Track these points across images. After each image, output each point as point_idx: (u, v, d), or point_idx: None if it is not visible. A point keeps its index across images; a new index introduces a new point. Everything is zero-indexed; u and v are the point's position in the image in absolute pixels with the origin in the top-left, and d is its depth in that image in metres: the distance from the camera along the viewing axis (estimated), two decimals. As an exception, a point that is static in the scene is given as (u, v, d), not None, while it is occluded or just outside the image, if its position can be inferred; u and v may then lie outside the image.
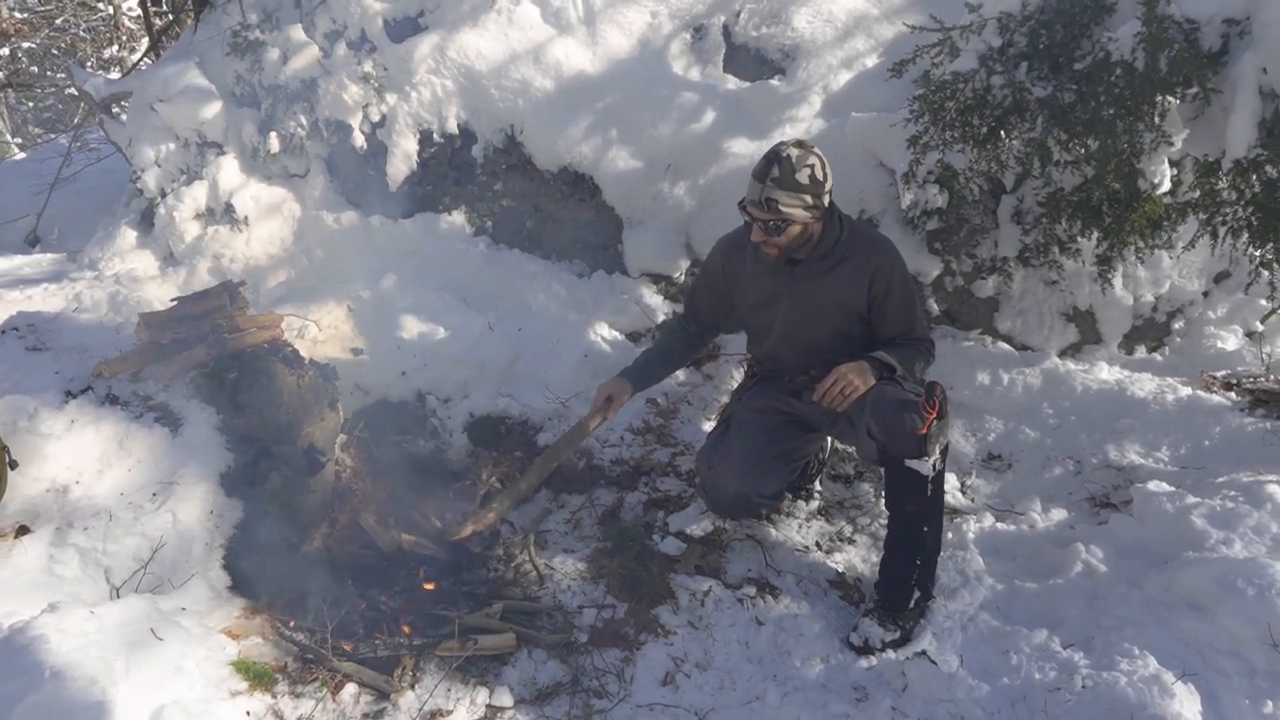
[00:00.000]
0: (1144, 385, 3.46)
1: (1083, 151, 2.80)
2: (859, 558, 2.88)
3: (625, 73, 4.14)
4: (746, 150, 3.86)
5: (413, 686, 2.25)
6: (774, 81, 4.04)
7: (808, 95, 3.93)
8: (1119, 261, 3.14)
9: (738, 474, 2.69)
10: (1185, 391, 3.39)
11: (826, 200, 2.46)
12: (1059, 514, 2.98)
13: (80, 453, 2.54)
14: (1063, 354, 3.74)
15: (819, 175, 2.40)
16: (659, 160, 3.97)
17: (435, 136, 4.28)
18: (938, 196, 3.56)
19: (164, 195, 4.44)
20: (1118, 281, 3.63)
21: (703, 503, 2.97)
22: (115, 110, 4.93)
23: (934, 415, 2.35)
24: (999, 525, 2.94)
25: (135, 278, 4.23)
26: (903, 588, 2.48)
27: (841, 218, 2.56)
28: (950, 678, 2.31)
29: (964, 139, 3.09)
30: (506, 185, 4.24)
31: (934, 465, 2.39)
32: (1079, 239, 3.38)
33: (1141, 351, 3.83)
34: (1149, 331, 3.83)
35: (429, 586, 2.59)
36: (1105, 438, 3.28)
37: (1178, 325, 3.84)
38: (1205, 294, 3.83)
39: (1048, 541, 2.85)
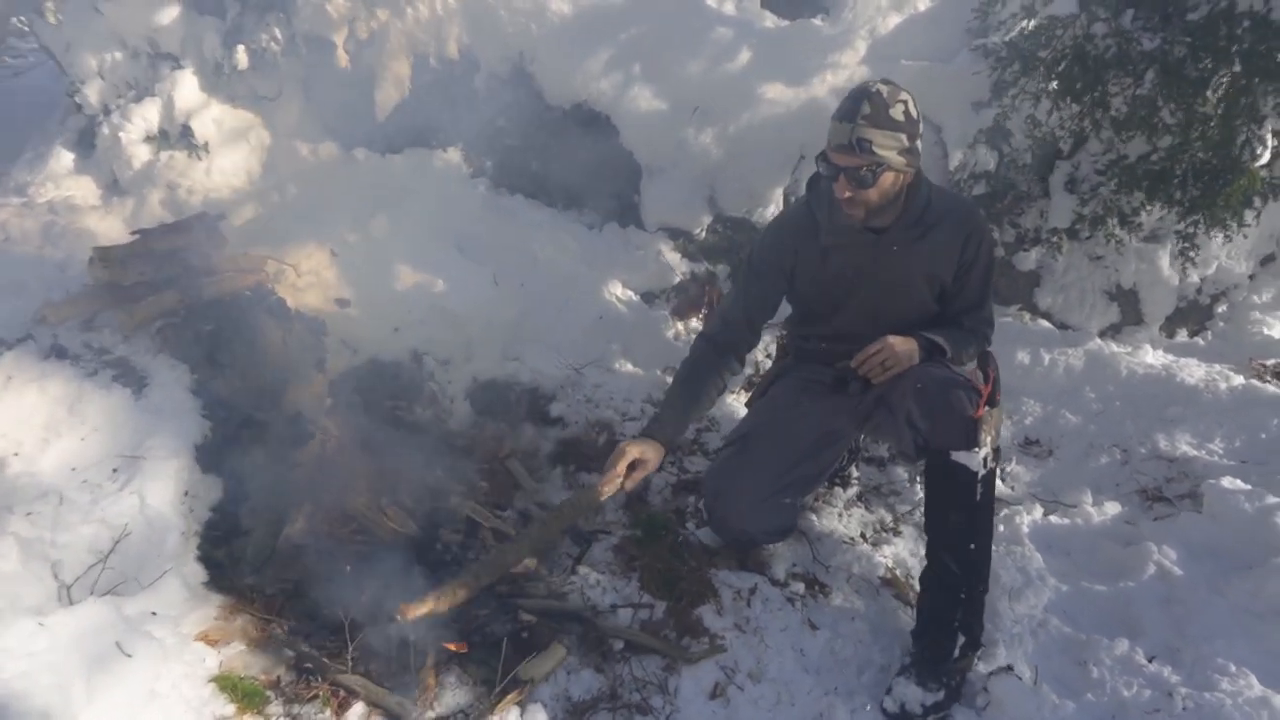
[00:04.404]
0: (1192, 371, 3.31)
1: (1198, 112, 2.51)
2: (907, 550, 2.69)
3: (653, 1, 3.82)
4: (782, 96, 3.55)
5: (431, 706, 1.92)
6: (816, 21, 3.79)
7: (852, 39, 3.64)
8: (1204, 240, 2.90)
9: (745, 512, 2.39)
10: (1238, 380, 3.24)
11: (920, 145, 2.16)
12: (1112, 508, 2.81)
13: (20, 418, 2.19)
14: (1102, 334, 3.60)
15: (913, 113, 2.10)
16: (686, 102, 3.67)
17: (431, 61, 3.92)
18: (988, 157, 3.31)
19: (108, 113, 4.09)
20: (1164, 260, 3.45)
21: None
22: (47, 4, 4.30)
23: (989, 391, 2.10)
24: (1051, 519, 2.77)
25: (73, 206, 3.77)
26: (944, 632, 2.14)
27: (922, 178, 2.28)
28: (1035, 694, 2.09)
29: (1062, 93, 2.75)
30: (511, 121, 3.92)
31: (985, 460, 2.07)
32: (1141, 213, 3.15)
33: (1183, 335, 3.69)
34: (1191, 314, 3.68)
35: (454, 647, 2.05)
36: (1153, 426, 3.12)
37: (1221, 309, 3.71)
38: (1251, 277, 3.68)
39: (1105, 537, 2.68)
